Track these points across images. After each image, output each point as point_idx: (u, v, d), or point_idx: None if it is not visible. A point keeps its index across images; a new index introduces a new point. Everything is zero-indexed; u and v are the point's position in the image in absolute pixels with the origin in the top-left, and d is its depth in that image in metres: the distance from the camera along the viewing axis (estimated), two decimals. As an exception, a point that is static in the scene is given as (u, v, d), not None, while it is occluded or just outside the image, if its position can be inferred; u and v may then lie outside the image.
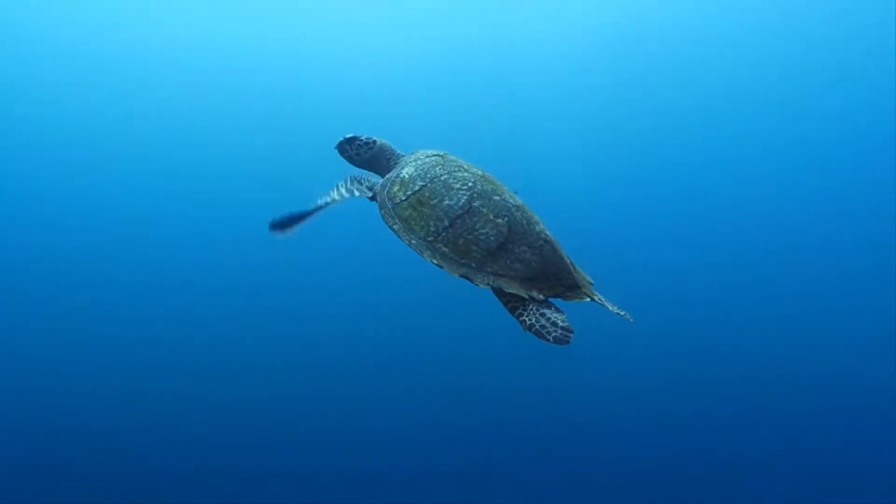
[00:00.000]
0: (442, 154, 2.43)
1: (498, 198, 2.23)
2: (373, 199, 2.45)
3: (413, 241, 2.18)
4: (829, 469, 7.77)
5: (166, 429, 7.54)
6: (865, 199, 9.07)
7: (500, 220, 2.17)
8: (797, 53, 9.47)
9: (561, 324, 2.05)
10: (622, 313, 2.26)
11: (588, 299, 2.23)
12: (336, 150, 2.63)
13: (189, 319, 8.44)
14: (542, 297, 2.13)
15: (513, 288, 2.10)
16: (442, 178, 2.26)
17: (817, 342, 8.52)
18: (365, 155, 2.59)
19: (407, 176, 2.32)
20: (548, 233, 2.29)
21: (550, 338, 2.02)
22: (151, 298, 8.55)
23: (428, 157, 2.41)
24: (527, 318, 2.07)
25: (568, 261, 2.30)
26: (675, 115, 9.85)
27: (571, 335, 2.02)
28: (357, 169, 2.66)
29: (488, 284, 2.11)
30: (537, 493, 7.52)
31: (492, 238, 2.14)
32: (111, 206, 9.13)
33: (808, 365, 8.35)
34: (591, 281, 2.38)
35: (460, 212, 2.16)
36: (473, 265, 2.11)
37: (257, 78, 9.66)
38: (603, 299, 2.28)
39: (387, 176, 2.46)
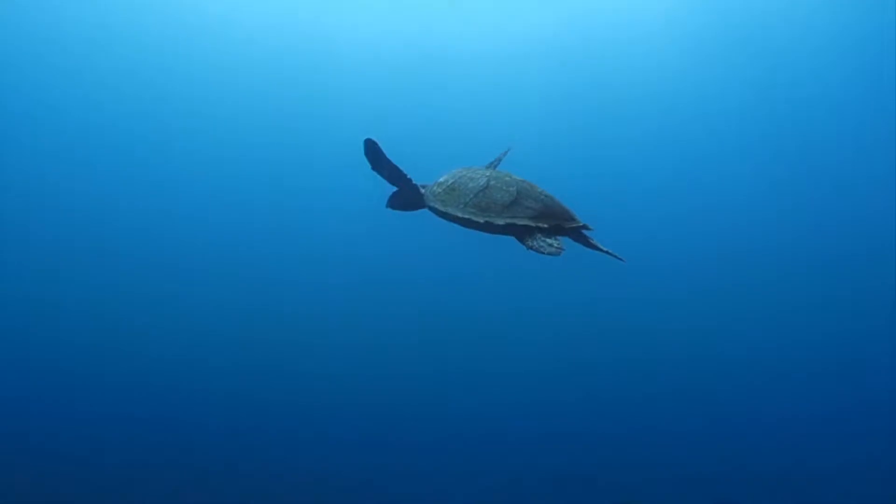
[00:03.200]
0: (468, 167, 3.30)
1: (508, 178, 3.05)
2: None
3: (448, 211, 2.99)
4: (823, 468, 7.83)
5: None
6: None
7: (511, 189, 2.95)
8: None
9: (556, 245, 2.68)
10: (612, 253, 2.91)
11: (582, 225, 2.88)
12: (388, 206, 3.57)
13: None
14: (545, 226, 2.79)
15: (523, 221, 2.81)
16: (467, 175, 3.15)
17: (816, 341, 8.58)
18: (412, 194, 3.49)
19: (442, 179, 3.26)
20: (548, 193, 3.01)
21: (545, 252, 2.62)
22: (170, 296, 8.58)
23: (458, 169, 3.30)
24: (529, 242, 2.73)
25: (567, 207, 2.96)
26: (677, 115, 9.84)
27: (562, 251, 2.63)
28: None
29: (505, 222, 2.83)
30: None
31: (506, 198, 2.91)
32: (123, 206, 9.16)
33: (806, 365, 8.43)
34: (591, 227, 2.99)
35: (481, 188, 2.99)
36: (493, 214, 2.86)
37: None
38: (596, 242, 2.96)
39: (430, 184, 3.39)
